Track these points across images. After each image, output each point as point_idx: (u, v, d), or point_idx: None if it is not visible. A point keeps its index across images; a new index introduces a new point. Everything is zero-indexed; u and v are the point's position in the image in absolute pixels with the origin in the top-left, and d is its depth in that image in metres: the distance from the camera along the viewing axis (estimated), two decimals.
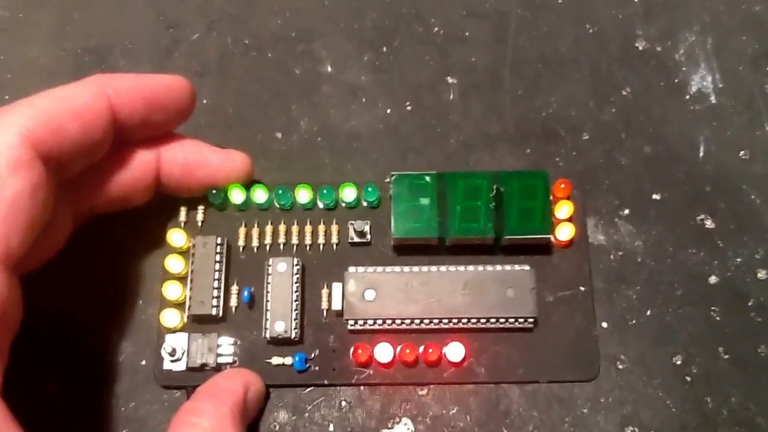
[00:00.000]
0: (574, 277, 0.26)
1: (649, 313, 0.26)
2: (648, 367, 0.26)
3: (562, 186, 0.26)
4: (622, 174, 0.28)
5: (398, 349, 0.25)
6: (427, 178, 0.26)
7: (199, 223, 0.27)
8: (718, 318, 0.26)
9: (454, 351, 0.25)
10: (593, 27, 0.30)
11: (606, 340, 0.26)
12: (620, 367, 0.26)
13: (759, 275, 0.27)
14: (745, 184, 0.28)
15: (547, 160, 0.28)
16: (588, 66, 0.30)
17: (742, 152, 0.28)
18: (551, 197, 0.26)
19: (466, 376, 0.25)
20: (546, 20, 0.30)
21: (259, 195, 0.27)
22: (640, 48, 0.30)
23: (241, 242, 0.27)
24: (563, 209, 0.26)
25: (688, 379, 0.25)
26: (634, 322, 0.26)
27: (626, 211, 0.28)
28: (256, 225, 0.27)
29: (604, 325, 0.26)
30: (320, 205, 0.27)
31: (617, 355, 0.26)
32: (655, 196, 0.28)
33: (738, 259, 0.27)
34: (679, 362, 0.26)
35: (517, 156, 0.28)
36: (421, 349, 0.25)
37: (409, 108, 0.29)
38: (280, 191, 0.26)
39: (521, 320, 0.25)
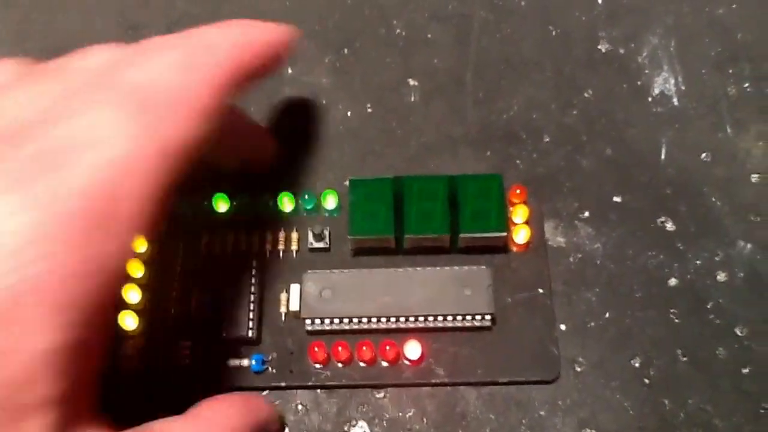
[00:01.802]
0: (533, 280, 0.26)
1: (608, 315, 0.26)
2: (606, 369, 0.25)
3: (518, 191, 0.26)
4: (583, 177, 0.28)
5: (356, 347, 0.25)
6: (383, 182, 0.26)
7: (162, 232, 0.27)
8: (677, 320, 0.26)
9: (412, 349, 0.25)
10: (556, 29, 0.30)
11: (565, 343, 0.26)
12: (578, 369, 0.25)
13: (719, 278, 0.27)
14: (706, 187, 0.28)
15: (508, 163, 0.28)
16: (550, 68, 0.30)
17: (703, 155, 0.28)
18: (507, 201, 0.26)
19: (425, 376, 0.25)
20: (509, 23, 0.31)
21: (221, 204, 0.27)
22: (603, 50, 0.30)
23: (202, 249, 0.27)
24: (519, 213, 0.26)
25: (647, 381, 0.25)
26: (593, 324, 0.26)
27: (586, 214, 0.28)
28: (217, 233, 0.27)
29: (563, 327, 0.26)
30: (281, 212, 0.27)
31: (576, 357, 0.26)
32: (616, 199, 0.28)
33: (698, 262, 0.27)
34: (637, 365, 0.25)
35: (478, 159, 0.28)
36: (379, 347, 0.25)
37: (369, 110, 0.29)
38: (242, 199, 0.27)
39: (479, 317, 0.25)
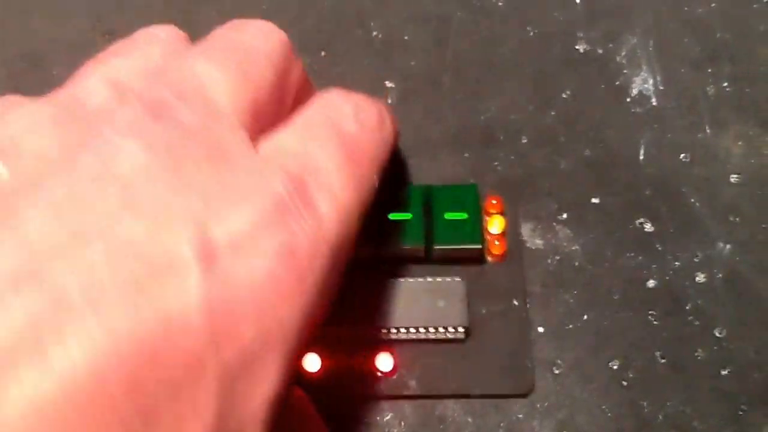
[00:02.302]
0: (508, 292, 0.26)
1: (586, 317, 0.26)
2: (585, 372, 0.25)
3: (494, 202, 0.26)
4: (561, 178, 0.28)
5: (326, 359, 0.25)
6: None
7: None
8: (656, 322, 0.26)
9: (384, 361, 0.25)
10: (534, 30, 0.30)
11: (542, 346, 0.26)
12: (556, 372, 0.25)
13: (697, 279, 0.26)
14: (685, 188, 0.28)
15: (486, 165, 0.28)
16: (528, 69, 0.30)
17: (682, 155, 0.28)
18: (483, 212, 0.26)
19: (397, 388, 0.25)
20: (487, 24, 0.30)
21: None
22: (582, 51, 0.30)
23: None
24: (495, 224, 0.26)
25: (625, 383, 0.25)
26: (571, 326, 0.26)
27: (564, 215, 0.27)
28: None
29: (541, 330, 0.26)
30: None
31: (554, 360, 0.25)
32: (595, 200, 0.28)
33: (677, 263, 0.27)
34: (616, 367, 0.25)
35: (456, 161, 0.28)
36: (351, 359, 0.25)
37: None
38: None
39: (452, 330, 0.25)
